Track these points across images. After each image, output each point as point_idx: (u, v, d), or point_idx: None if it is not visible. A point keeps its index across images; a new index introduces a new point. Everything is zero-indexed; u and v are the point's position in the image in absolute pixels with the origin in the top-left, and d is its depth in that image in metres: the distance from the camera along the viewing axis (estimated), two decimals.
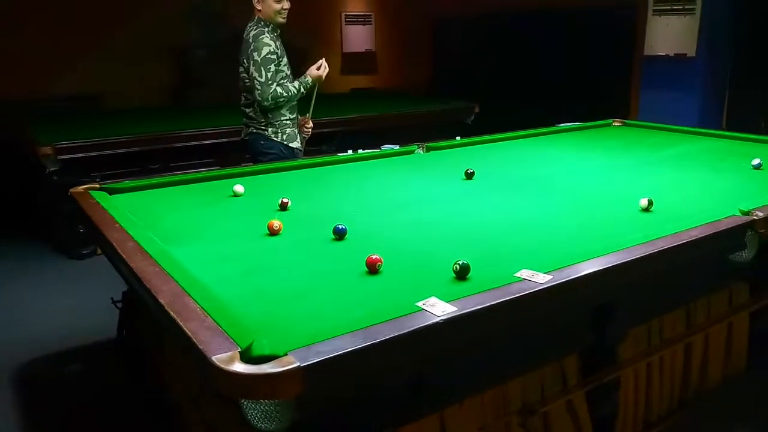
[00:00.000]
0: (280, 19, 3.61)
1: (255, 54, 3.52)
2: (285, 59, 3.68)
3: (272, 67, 3.55)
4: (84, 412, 2.87)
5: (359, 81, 8.70)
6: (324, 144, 5.05)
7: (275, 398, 1.29)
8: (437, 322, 1.48)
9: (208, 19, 7.21)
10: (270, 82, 3.54)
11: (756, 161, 3.15)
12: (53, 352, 3.39)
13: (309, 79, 3.71)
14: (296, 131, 3.82)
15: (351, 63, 8.78)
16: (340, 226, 2.20)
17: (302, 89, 3.69)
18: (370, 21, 8.88)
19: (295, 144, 3.80)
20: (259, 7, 3.59)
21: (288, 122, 3.74)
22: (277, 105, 3.64)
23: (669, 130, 4.39)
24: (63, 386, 3.12)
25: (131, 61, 6.78)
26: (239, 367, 1.28)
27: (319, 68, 3.71)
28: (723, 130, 5.13)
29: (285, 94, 3.61)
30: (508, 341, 1.79)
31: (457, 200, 2.76)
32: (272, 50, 3.55)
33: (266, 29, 3.58)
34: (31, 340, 3.49)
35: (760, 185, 2.83)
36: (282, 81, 3.63)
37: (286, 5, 3.60)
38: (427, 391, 1.65)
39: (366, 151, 3.65)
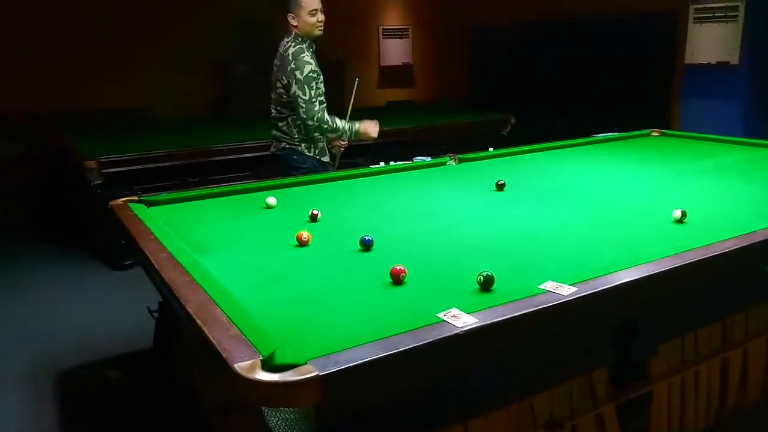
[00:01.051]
0: (317, 32, 3.65)
1: (297, 73, 3.57)
2: (321, 77, 3.73)
3: (314, 85, 3.61)
4: (119, 419, 2.96)
5: (396, 94, 8.75)
6: (359, 156, 5.10)
7: (294, 406, 1.32)
8: (457, 334, 1.48)
9: (252, 32, 7.33)
10: (314, 99, 3.60)
11: None
12: (94, 360, 3.49)
13: (358, 127, 3.77)
14: (326, 146, 3.88)
15: (388, 76, 8.84)
16: (366, 237, 2.22)
17: (346, 131, 3.74)
18: (408, 34, 8.93)
19: (327, 158, 3.87)
20: (295, 23, 3.64)
21: (320, 137, 3.80)
22: (320, 128, 3.68)
23: (709, 139, 4.28)
24: (101, 393, 3.21)
25: (174, 73, 6.94)
26: (259, 374, 1.30)
27: (373, 128, 3.82)
28: None
29: (330, 125, 3.66)
30: (533, 353, 1.78)
31: (486, 212, 2.75)
32: (313, 68, 3.61)
33: (305, 46, 3.63)
34: (73, 347, 3.61)
35: None
36: (319, 97, 3.67)
37: (321, 17, 3.63)
38: (448, 401, 1.65)
39: (398, 163, 3.67)
